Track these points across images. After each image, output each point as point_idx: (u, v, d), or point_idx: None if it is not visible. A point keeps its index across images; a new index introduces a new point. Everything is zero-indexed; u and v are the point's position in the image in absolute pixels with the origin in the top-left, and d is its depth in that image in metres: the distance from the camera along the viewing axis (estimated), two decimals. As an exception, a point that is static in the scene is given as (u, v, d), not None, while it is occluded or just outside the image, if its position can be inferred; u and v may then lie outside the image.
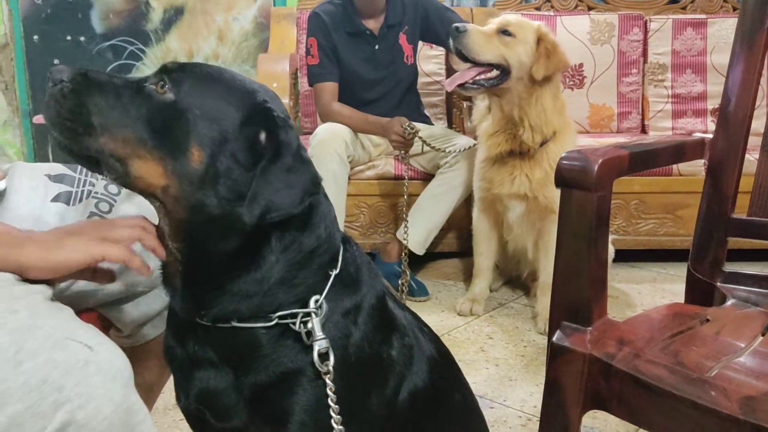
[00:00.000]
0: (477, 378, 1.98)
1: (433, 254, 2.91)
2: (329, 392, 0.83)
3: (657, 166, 1.22)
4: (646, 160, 1.16)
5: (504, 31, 2.24)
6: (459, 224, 2.83)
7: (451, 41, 2.27)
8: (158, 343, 1.04)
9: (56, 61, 3.59)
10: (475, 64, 2.25)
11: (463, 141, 2.69)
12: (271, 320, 0.85)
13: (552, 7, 3.53)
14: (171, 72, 0.83)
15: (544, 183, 2.28)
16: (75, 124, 0.80)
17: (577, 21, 3.34)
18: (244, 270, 0.83)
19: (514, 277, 2.78)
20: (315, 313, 0.85)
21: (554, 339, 1.02)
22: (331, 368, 0.83)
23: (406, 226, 2.60)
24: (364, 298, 0.91)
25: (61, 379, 0.74)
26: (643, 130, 3.39)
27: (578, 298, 1.03)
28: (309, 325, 0.84)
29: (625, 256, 2.87)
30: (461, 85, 2.28)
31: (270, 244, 0.83)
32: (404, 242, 2.59)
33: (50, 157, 3.68)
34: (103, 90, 0.81)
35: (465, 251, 2.82)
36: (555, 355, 1.01)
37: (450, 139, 2.73)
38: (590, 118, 3.36)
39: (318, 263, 0.87)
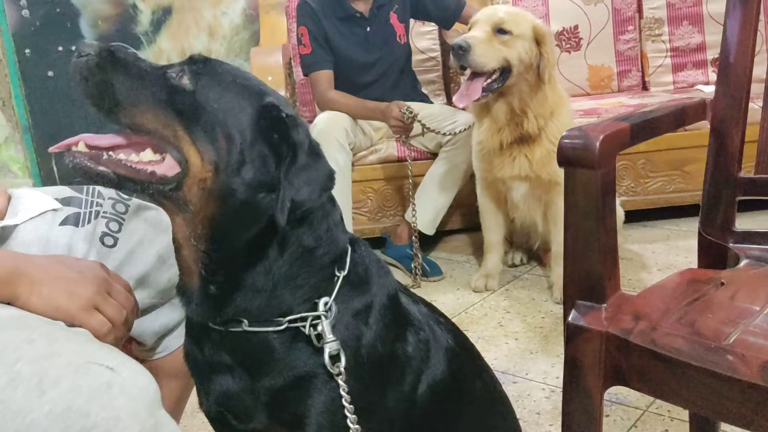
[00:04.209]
0: (497, 354, 2.00)
1: (442, 232, 2.91)
2: (343, 393, 0.85)
3: (660, 134, 1.20)
4: (647, 129, 1.14)
5: (500, 30, 2.19)
6: (466, 201, 2.82)
7: (453, 60, 2.21)
8: (179, 357, 1.05)
9: (50, 73, 3.58)
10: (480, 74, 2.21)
11: (463, 118, 2.67)
12: (282, 324, 0.86)
13: (542, -31, 3.48)
14: (195, 64, 0.86)
15: (545, 161, 2.27)
16: (101, 100, 0.83)
17: (569, -18, 3.29)
18: (256, 260, 0.85)
19: (525, 248, 2.77)
20: (324, 316, 0.86)
21: (570, 319, 1.02)
22: (342, 369, 0.85)
23: (413, 209, 2.60)
24: (374, 298, 0.92)
25: (86, 404, 0.75)
26: (644, 86, 3.34)
27: (590, 275, 1.02)
28: (319, 328, 0.86)
29: (635, 216, 2.86)
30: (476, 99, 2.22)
31: (272, 237, 0.85)
32: (413, 224, 2.59)
33: (55, 170, 3.69)
34: (128, 70, 0.84)
35: (474, 226, 2.82)
36: (572, 334, 1.01)
37: (450, 116, 2.71)
38: (590, 80, 3.32)
39: (319, 264, 0.88)
